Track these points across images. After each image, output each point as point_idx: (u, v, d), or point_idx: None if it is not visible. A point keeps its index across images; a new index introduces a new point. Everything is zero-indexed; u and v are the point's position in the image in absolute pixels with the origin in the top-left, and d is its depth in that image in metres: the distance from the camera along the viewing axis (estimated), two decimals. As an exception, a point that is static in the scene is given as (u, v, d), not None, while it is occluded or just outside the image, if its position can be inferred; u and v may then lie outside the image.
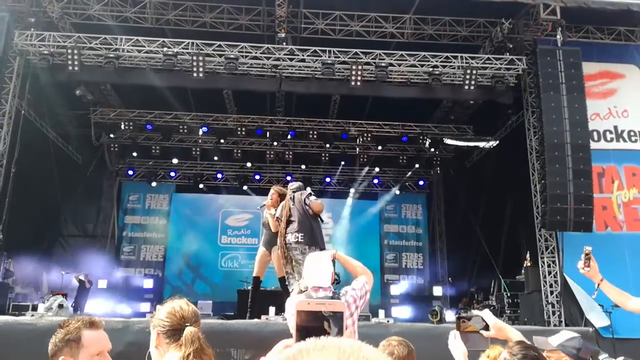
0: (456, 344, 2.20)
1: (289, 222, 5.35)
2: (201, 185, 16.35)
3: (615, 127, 11.04)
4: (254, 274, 6.18)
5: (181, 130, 14.33)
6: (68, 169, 13.55)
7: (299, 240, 5.21)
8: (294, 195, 5.63)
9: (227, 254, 16.25)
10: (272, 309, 5.21)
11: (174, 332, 1.99)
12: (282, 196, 5.95)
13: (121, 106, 14.01)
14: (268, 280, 13.91)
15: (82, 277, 11.35)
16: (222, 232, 16.47)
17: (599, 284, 3.39)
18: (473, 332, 2.18)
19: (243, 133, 14.28)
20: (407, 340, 2.59)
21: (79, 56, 10.09)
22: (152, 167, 16.20)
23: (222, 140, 14.65)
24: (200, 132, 14.63)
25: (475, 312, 2.21)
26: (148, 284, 14.22)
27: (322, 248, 5.42)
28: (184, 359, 1.89)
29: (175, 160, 15.75)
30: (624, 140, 10.99)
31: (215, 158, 15.76)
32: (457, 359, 2.16)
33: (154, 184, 16.23)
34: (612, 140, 10.94)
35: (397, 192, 17.11)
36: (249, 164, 15.90)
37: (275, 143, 14.88)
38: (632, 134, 11.04)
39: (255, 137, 14.91)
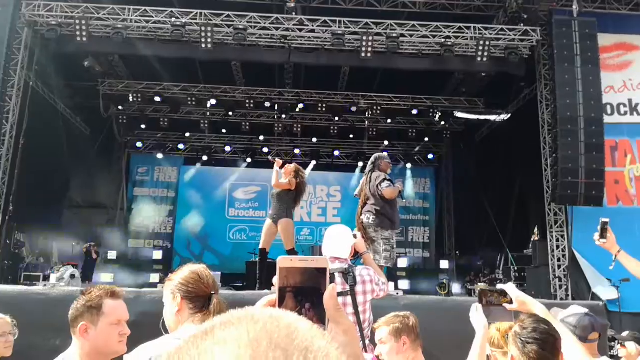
0: (478, 317, 2.18)
1: (365, 202, 5.55)
2: (205, 158, 16.32)
3: (630, 101, 10.85)
4: (260, 246, 6.22)
5: (189, 103, 14.24)
6: (77, 140, 13.55)
7: (370, 221, 5.42)
8: (371, 175, 5.67)
9: (235, 226, 16.33)
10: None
11: (199, 299, 1.93)
12: (296, 173, 6.00)
13: (129, 78, 13.91)
14: (274, 252, 14.02)
15: (89, 248, 11.46)
16: (230, 205, 16.53)
17: (616, 255, 3.36)
18: (496, 305, 2.17)
19: (251, 105, 14.18)
20: (411, 313, 2.59)
21: (87, 27, 9.98)
22: (160, 140, 16.18)
23: (230, 113, 14.57)
24: (209, 105, 14.54)
25: (499, 285, 2.19)
26: (157, 255, 14.35)
27: (394, 229, 5.52)
28: None
29: (187, 134, 15.72)
30: (638, 114, 10.82)
31: (224, 131, 15.71)
32: (477, 332, 2.15)
33: (159, 155, 16.22)
34: (625, 113, 10.77)
35: (409, 165, 17.04)
36: (261, 137, 15.83)
37: (283, 116, 14.78)
38: (646, 107, 10.86)
39: (264, 110, 14.80)
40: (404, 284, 13.60)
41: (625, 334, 4.46)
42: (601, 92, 9.98)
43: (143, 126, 15.47)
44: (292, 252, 5.98)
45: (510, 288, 2.15)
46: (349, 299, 3.06)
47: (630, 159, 10.59)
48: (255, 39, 10.60)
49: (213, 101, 14.29)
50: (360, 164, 16.94)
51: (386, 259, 5.40)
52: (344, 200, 16.94)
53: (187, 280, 1.96)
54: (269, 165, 17.89)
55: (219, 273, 11.04)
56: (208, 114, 15.25)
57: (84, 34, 9.97)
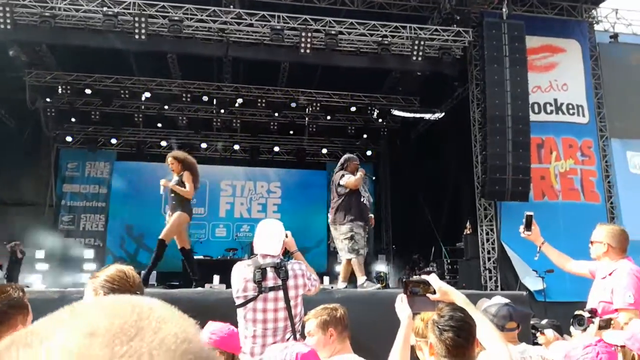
0: (402, 307, 2.23)
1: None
2: (144, 153, 15.84)
3: (555, 100, 11.48)
4: (179, 246, 5.99)
5: (122, 96, 13.73)
6: (1, 134, 12.76)
7: (329, 220, 5.71)
8: (334, 175, 5.85)
9: (172, 224, 15.94)
10: (216, 278, 5.19)
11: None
12: (181, 161, 5.85)
13: (58, 69, 13.22)
14: (213, 249, 13.85)
15: (13, 247, 10.83)
16: (166, 202, 16.04)
17: (540, 247, 3.56)
18: (419, 296, 2.23)
19: (188, 99, 13.86)
20: (340, 305, 2.63)
21: (11, 14, 9.39)
22: (91, 134, 15.52)
23: (166, 107, 14.18)
24: (143, 98, 14.08)
25: (423, 276, 2.25)
26: (89, 254, 13.77)
27: (356, 221, 5.54)
28: None
29: (116, 127, 15.13)
30: (563, 113, 11.47)
31: (159, 125, 15.27)
32: (402, 321, 2.21)
33: (90, 150, 15.57)
34: (551, 112, 11.39)
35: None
36: (195, 132, 15.50)
37: (222, 111, 14.55)
38: (570, 107, 11.52)
39: (201, 104, 14.51)
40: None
41: (544, 322, 4.73)
42: (528, 92, 10.49)
43: (73, 120, 14.76)
44: (162, 242, 5.84)
45: (432, 279, 2.22)
46: (280, 293, 3.08)
47: (555, 156, 11.21)
48: (191, 31, 10.36)
49: (147, 94, 13.85)
50: (300, 160, 17.00)
51: (349, 251, 5.47)
52: (284, 197, 16.93)
53: (113, 278, 1.91)
54: (209, 160, 17.58)
55: (155, 272, 10.72)
56: (142, 107, 14.77)
57: (9, 21, 9.37)
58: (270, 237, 3.24)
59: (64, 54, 12.41)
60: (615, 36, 12.63)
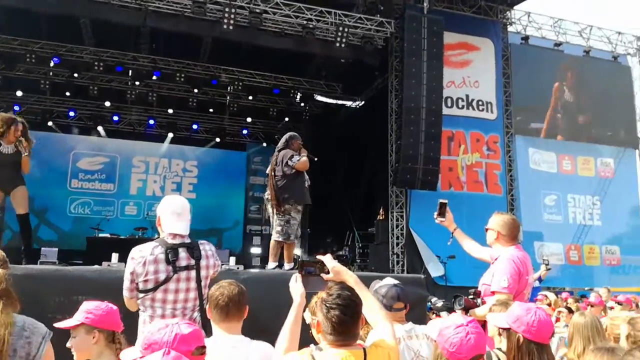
0: (296, 286, 2.26)
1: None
2: (50, 123, 14.83)
3: (467, 96, 12.06)
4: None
5: (28, 60, 12.68)
6: None
7: (270, 197, 5.52)
8: (278, 153, 5.59)
9: (77, 199, 15.11)
10: (115, 255, 4.95)
11: None
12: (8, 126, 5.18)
13: (-47, 24, 11.98)
14: (122, 227, 13.28)
15: None
16: (73, 176, 15.24)
17: (453, 232, 3.74)
18: (314, 276, 2.26)
19: (101, 69, 13.08)
20: (237, 282, 2.61)
21: None
22: (-10, 98, 14.26)
23: (75, 75, 13.30)
24: (52, 64, 13.12)
25: (318, 256, 2.28)
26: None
27: (295, 205, 5.44)
28: None
29: (19, 93, 14.00)
30: (473, 109, 12.08)
31: (68, 94, 14.32)
32: (294, 299, 2.23)
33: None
34: (463, 107, 11.95)
35: (265, 144, 17.13)
36: (107, 103, 14.70)
37: (137, 83, 13.90)
38: (480, 103, 12.15)
39: (115, 75, 13.76)
40: (257, 261, 13.77)
41: (439, 304, 4.99)
42: (442, 86, 10.92)
43: (-31, 82, 13.49)
44: (26, 216, 5.50)
45: (327, 259, 2.25)
46: (192, 273, 2.98)
47: (463, 149, 11.81)
48: (107, -4, 9.76)
49: (56, 60, 12.91)
50: (218, 139, 16.66)
51: (279, 233, 5.35)
52: (200, 176, 16.56)
53: None
54: (121, 134, 16.78)
55: (56, 249, 10.11)
56: (50, 74, 13.77)
57: None
58: (180, 215, 3.10)
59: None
60: (526, 38, 13.44)
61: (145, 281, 2.88)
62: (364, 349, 1.93)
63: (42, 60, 12.95)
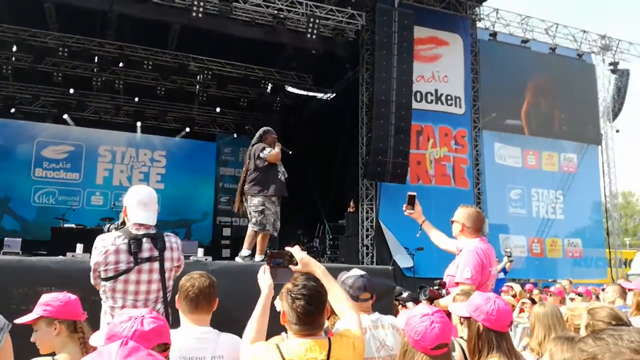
0: (264, 277, 2.27)
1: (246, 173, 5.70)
2: (13, 110, 14.37)
3: (436, 90, 12.20)
4: None
5: (-12, 44, 12.26)
6: None
7: (245, 189, 5.62)
8: (252, 147, 5.70)
9: (42, 189, 14.73)
10: (79, 246, 4.87)
11: None
12: None
13: None
14: (88, 217, 13.02)
15: None
16: (37, 164, 14.82)
17: (422, 224, 3.80)
18: (282, 267, 2.27)
19: (66, 55, 12.71)
20: (209, 274, 2.61)
21: None
22: (-51, 84, 13.75)
23: (39, 61, 12.89)
24: (14, 49, 12.68)
25: (287, 248, 2.29)
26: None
27: (269, 196, 5.52)
28: None
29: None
30: (442, 103, 12.23)
31: (31, 80, 13.88)
32: (262, 290, 2.24)
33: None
34: (432, 102, 12.09)
35: (235, 135, 16.99)
36: (71, 90, 14.32)
37: (103, 70, 13.57)
38: (449, 97, 12.31)
39: (81, 61, 13.40)
40: (227, 253, 13.68)
41: (405, 294, 5.07)
42: (412, 80, 11.01)
43: None
44: None
45: (295, 251, 2.27)
46: (156, 264, 2.96)
47: (432, 143, 11.96)
48: (72, -20, 9.48)
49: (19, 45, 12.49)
50: (187, 129, 16.44)
51: (255, 224, 5.45)
52: (169, 166, 16.33)
53: None
54: (86, 122, 16.40)
55: (20, 239, 9.86)
56: (12, 59, 13.31)
57: None
58: (147, 205, 3.06)
59: None
60: (494, 34, 13.66)
61: (106, 270, 2.85)
62: (329, 339, 1.96)
63: (5, 45, 12.51)
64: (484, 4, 13.24)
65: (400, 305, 4.71)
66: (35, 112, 14.92)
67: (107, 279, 2.86)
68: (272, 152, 5.54)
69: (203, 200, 16.54)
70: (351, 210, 11.72)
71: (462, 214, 3.46)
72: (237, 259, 5.53)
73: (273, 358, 1.89)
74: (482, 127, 12.77)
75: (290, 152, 5.83)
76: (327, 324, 2.42)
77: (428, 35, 12.26)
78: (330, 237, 12.15)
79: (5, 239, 9.17)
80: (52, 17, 12.07)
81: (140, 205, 3.00)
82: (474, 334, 2.05)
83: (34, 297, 2.98)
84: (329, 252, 11.54)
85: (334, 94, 14.38)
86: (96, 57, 13.14)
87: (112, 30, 12.69)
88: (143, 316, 1.54)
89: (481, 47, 13.26)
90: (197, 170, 16.50)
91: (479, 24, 13.50)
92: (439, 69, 12.29)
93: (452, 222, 3.53)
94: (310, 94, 15.35)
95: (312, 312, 1.93)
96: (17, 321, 2.23)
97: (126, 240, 2.89)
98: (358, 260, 10.79)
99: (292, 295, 1.95)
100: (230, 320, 2.69)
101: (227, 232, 15.32)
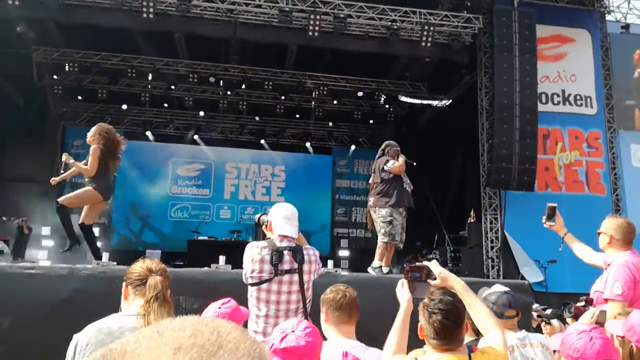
0: (403, 292, 2.27)
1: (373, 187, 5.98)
2: (148, 133, 15.89)
3: (563, 91, 11.39)
4: (79, 221, 5.69)
5: (129, 75, 13.70)
6: (9, 110, 12.83)
7: (371, 203, 5.85)
8: (376, 161, 6.02)
9: (177, 204, 16.04)
10: (222, 258, 5.22)
11: (141, 283, 2.16)
12: (96, 133, 5.43)
13: (66, 46, 13.19)
14: (218, 230, 13.94)
15: (20, 223, 10.97)
16: (173, 182, 16.20)
17: (564, 237, 3.59)
18: (420, 281, 2.26)
19: (195, 80, 13.83)
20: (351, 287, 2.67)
21: (18, -11, 9.36)
22: (98, 112, 15.53)
23: (172, 87, 14.16)
24: (150, 77, 14.06)
25: (424, 262, 2.29)
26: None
27: (396, 207, 5.72)
28: (147, 302, 2.05)
29: (124, 106, 15.14)
30: (570, 104, 11.38)
31: (165, 105, 15.27)
32: (401, 305, 2.25)
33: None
34: (558, 103, 11.30)
35: (351, 147, 17.25)
36: (201, 113, 15.51)
37: (228, 92, 14.53)
38: (578, 98, 11.43)
39: (208, 85, 14.48)
40: (345, 264, 13.85)
41: (549, 311, 4.76)
42: (536, 82, 10.40)
43: (80, 98, 14.78)
44: (61, 206, 5.46)
45: (433, 265, 2.25)
46: (295, 276, 3.11)
47: (560, 147, 11.16)
48: (199, 11, 10.30)
49: (154, 74, 13.84)
50: (308, 144, 16.98)
51: (384, 235, 5.64)
52: (288, 180, 16.97)
53: (133, 269, 2.25)
54: (214, 142, 17.58)
55: (159, 251, 10.82)
56: (149, 87, 14.76)
57: (16, -3, 9.37)
58: (290, 220, 3.25)
59: (72, 31, 12.38)
60: (626, 27, 12.46)
61: (251, 277, 3.08)
62: (469, 355, 1.91)
63: (142, 74, 13.88)
64: (613, -6, 12.19)
65: (543, 323, 4.44)
66: (169, 134, 16.34)
67: (251, 285, 3.09)
68: (396, 164, 5.61)
69: (321, 212, 16.92)
70: (472, 220, 11.30)
71: (610, 225, 3.20)
72: (369, 270, 5.60)
73: (412, 371, 1.90)
74: (618, 127, 11.67)
75: (415, 164, 5.87)
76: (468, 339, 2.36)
77: (551, 33, 11.52)
78: (451, 248, 11.80)
79: (147, 251, 10.12)
80: (182, 47, 13.20)
81: (285, 220, 3.21)
82: (626, 356, 1.90)
83: (178, 306, 3.26)
84: (450, 264, 11.21)
85: (450, 101, 14.01)
86: (221, 81, 14.11)
87: (235, 55, 13.58)
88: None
89: (612, 41, 12.15)
90: (315, 183, 16.95)
91: (608, 17, 12.40)
92: (565, 68, 11.47)
93: (599, 234, 3.28)
94: (425, 102, 15.12)
95: (450, 327, 1.91)
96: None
97: (270, 252, 3.09)
98: (483, 273, 10.34)
99: (429, 310, 1.94)
100: (361, 333, 2.72)
101: (344, 243, 15.51)
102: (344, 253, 15.18)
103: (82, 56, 13.30)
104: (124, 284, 2.25)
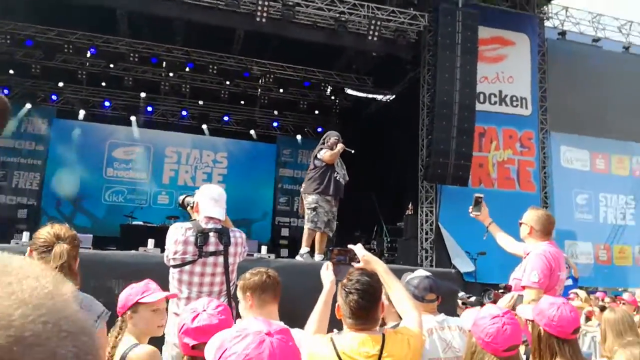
0: (327, 274, 2.29)
1: None
2: (85, 113, 15.24)
3: (500, 92, 11.85)
4: None
5: (66, 50, 13.03)
6: None
7: (302, 189, 5.91)
8: (315, 149, 6.05)
9: (112, 187, 15.49)
10: (151, 241, 5.11)
11: (46, 250, 2.04)
12: None
13: (-2, 16, 12.35)
14: (154, 215, 13.56)
15: None
16: (108, 164, 15.61)
17: (488, 227, 3.73)
18: (344, 264, 2.29)
19: (136, 60, 13.34)
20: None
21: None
22: (30, 88, 14.71)
23: (111, 65, 13.59)
24: (88, 54, 13.45)
25: (350, 246, 2.31)
26: (22, 214, 13.19)
27: (323, 195, 5.71)
28: None
29: (61, 84, 14.40)
30: (506, 105, 11.86)
31: (103, 84, 14.66)
32: (325, 286, 2.28)
33: (28, 105, 14.79)
34: (495, 103, 11.75)
35: (295, 137, 17.23)
36: (142, 94, 14.99)
37: (171, 74, 14.13)
38: (514, 99, 11.93)
39: (150, 66, 14.02)
40: (285, 253, 13.86)
41: (473, 299, 4.97)
42: (476, 81, 10.75)
43: (11, 71, 13.92)
44: None
45: (357, 248, 2.28)
46: (220, 258, 3.07)
47: (495, 146, 11.62)
48: (143, -11, 9.94)
49: (92, 50, 13.23)
50: (252, 132, 16.80)
51: (308, 221, 5.69)
52: (230, 167, 16.76)
53: (40, 234, 2.13)
54: (154, 124, 17.09)
55: (91, 236, 10.40)
56: (87, 64, 14.12)
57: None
58: (217, 201, 3.20)
59: (4, 2, 11.62)
60: (563, 33, 13.10)
61: (174, 258, 3.01)
62: (383, 334, 1.96)
63: (79, 50, 13.25)
64: (552, 2, 12.76)
65: (461, 310, 4.62)
66: (107, 115, 15.72)
67: (173, 267, 3.02)
68: (327, 153, 5.68)
69: (263, 200, 16.85)
70: (410, 212, 11.58)
71: (531, 216, 3.36)
72: (298, 257, 5.63)
73: (327, 350, 1.93)
74: (550, 128, 12.27)
75: (353, 152, 5.90)
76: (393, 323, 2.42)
77: (492, 35, 11.93)
78: (388, 239, 12.04)
79: (78, 235, 9.71)
80: (124, 25, 12.70)
81: (211, 201, 3.16)
82: (535, 338, 2.02)
83: (104, 290, 3.14)
84: (386, 255, 11.45)
85: (394, 96, 14.26)
86: (164, 62, 13.69)
87: (179, 36, 13.20)
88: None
89: (549, 47, 12.75)
90: (258, 171, 16.83)
91: (547, 23, 13.00)
92: (504, 70, 11.93)
93: (520, 224, 3.44)
94: (370, 95, 15.30)
95: (365, 307, 1.95)
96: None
97: (194, 233, 3.03)
98: (417, 263, 10.63)
99: (346, 289, 1.98)
100: (292, 315, 2.73)
101: (285, 232, 15.52)
102: (284, 242, 15.20)
103: (15, 28, 12.51)
104: (28, 248, 2.12)
